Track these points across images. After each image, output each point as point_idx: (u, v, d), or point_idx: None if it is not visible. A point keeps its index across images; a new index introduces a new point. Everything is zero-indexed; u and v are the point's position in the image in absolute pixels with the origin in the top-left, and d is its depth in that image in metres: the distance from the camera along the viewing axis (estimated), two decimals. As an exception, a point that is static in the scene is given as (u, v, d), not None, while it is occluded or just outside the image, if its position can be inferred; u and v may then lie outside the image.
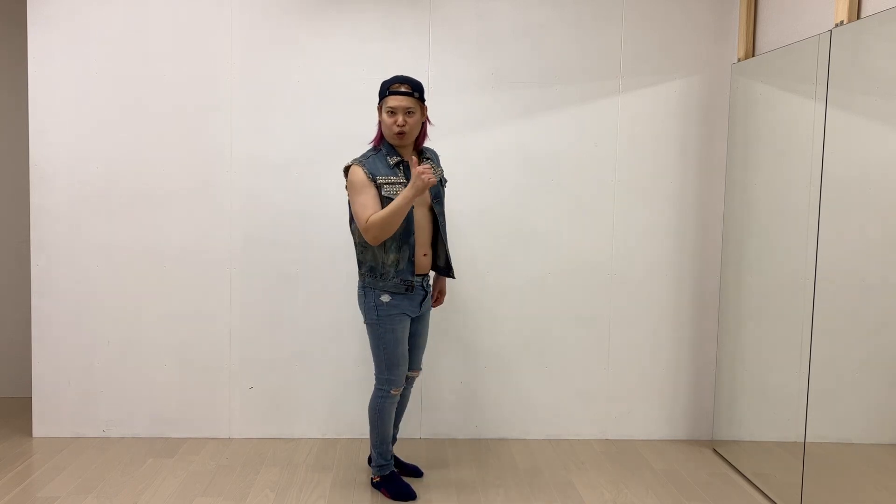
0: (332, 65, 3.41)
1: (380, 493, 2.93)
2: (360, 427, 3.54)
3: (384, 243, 2.74)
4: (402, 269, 2.76)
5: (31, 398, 3.57)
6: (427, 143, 2.91)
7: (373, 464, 2.96)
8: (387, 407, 2.87)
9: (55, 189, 3.40)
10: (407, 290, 2.77)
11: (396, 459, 3.13)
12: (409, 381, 3.05)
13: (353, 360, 3.52)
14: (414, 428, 3.54)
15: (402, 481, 2.93)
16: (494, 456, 3.36)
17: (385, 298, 2.77)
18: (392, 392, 2.85)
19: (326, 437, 3.55)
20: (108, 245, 3.43)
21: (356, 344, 3.51)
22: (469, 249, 3.48)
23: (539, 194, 3.48)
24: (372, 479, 2.98)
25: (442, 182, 2.93)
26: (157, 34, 3.37)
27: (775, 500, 2.90)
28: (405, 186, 2.68)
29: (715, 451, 3.46)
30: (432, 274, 3.03)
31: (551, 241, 3.50)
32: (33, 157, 3.39)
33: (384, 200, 2.71)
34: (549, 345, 3.55)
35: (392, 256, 2.75)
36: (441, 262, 2.94)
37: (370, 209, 2.66)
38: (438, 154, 3.03)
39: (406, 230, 2.75)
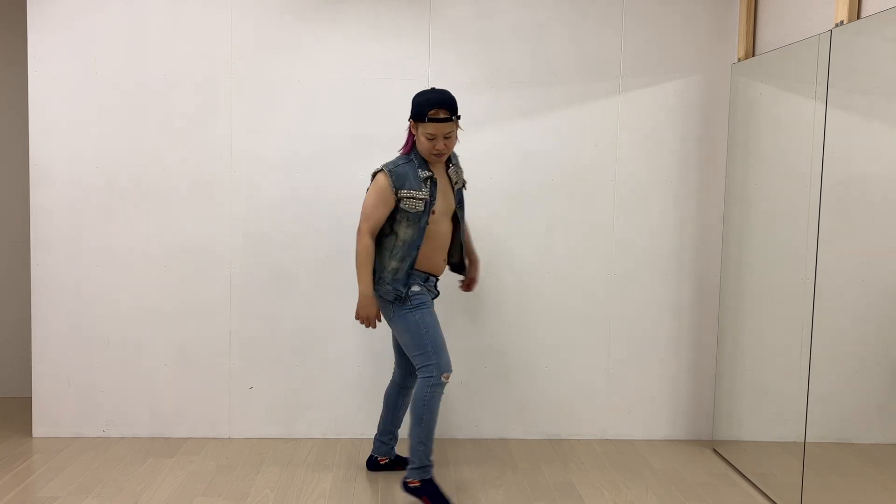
0: (332, 65, 3.41)
1: (381, 494, 2.93)
2: (360, 427, 3.54)
3: (390, 250, 2.77)
4: (398, 279, 2.75)
5: (31, 398, 3.57)
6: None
7: (412, 466, 2.78)
8: (436, 398, 2.73)
9: (55, 189, 3.40)
10: (395, 299, 2.75)
11: (397, 456, 3.15)
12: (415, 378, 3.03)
13: (353, 359, 3.52)
14: (414, 428, 3.54)
15: (442, 491, 2.76)
16: (494, 456, 3.36)
17: (417, 288, 2.78)
18: (443, 378, 2.73)
19: (326, 437, 3.55)
20: (108, 245, 3.43)
21: (356, 343, 3.51)
22: (469, 249, 3.48)
23: (539, 194, 3.48)
24: (407, 482, 2.80)
25: (464, 186, 2.97)
26: (157, 34, 3.37)
27: (775, 500, 2.90)
28: (427, 202, 2.73)
29: (715, 451, 3.46)
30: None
31: (551, 240, 3.50)
32: (33, 157, 3.39)
33: (401, 212, 2.73)
34: (549, 345, 3.55)
35: (393, 264, 2.76)
36: (455, 259, 3.00)
37: (372, 221, 2.73)
38: (458, 155, 3.05)
39: (413, 243, 2.75)
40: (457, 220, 2.93)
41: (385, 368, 3.51)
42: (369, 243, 2.74)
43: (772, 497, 2.93)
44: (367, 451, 3.36)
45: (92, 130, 3.39)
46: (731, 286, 3.35)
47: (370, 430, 3.51)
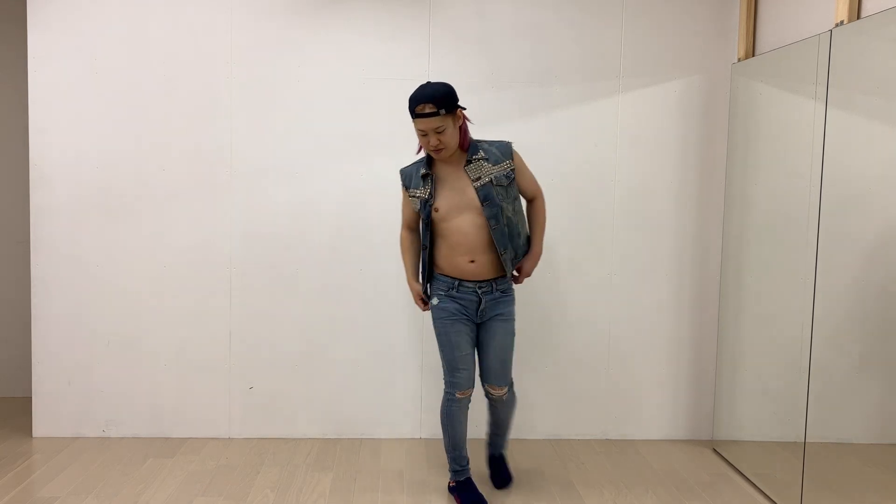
0: (332, 65, 3.41)
1: (381, 494, 2.94)
2: (360, 427, 3.54)
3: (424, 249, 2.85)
4: (424, 278, 2.86)
5: (31, 398, 3.57)
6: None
7: (449, 468, 2.91)
8: (453, 411, 2.80)
9: (55, 189, 3.40)
10: (429, 299, 2.84)
11: (500, 462, 3.08)
12: (490, 397, 2.91)
13: (352, 359, 3.52)
14: (414, 428, 3.54)
15: (476, 491, 2.85)
16: (494, 456, 3.36)
17: (434, 301, 2.80)
18: (457, 395, 2.78)
19: (326, 437, 3.55)
20: (107, 245, 3.43)
21: (355, 344, 3.51)
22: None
23: (539, 194, 3.48)
24: (449, 483, 2.93)
25: (493, 182, 2.66)
26: (157, 34, 3.37)
27: (775, 500, 2.90)
28: (423, 200, 2.72)
29: (715, 451, 3.45)
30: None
31: (550, 241, 3.50)
32: (33, 157, 3.39)
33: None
34: (550, 345, 3.55)
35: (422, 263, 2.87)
36: (508, 258, 2.73)
37: (403, 217, 2.91)
38: (511, 144, 2.77)
39: (422, 242, 2.81)
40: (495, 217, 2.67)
41: (384, 368, 3.51)
42: (404, 235, 2.92)
43: (772, 497, 2.93)
44: (367, 451, 3.37)
45: (92, 130, 3.39)
46: (731, 286, 3.35)
47: (370, 430, 3.52)
